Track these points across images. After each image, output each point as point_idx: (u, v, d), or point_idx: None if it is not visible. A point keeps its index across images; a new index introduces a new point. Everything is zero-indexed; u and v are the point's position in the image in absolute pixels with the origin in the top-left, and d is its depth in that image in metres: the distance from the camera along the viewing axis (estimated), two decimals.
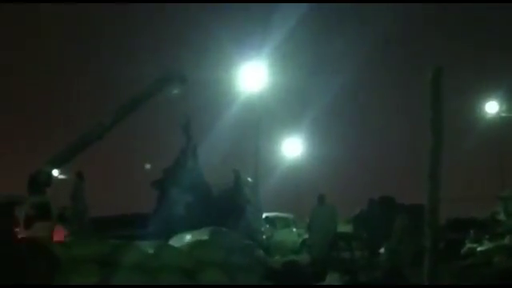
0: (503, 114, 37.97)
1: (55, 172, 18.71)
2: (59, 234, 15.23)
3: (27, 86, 43.82)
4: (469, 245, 17.72)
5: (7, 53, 43.06)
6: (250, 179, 20.19)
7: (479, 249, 16.74)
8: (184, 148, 16.40)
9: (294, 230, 26.01)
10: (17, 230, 13.47)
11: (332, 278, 10.59)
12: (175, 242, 9.71)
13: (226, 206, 15.76)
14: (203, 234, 9.71)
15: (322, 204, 15.88)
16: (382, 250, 15.46)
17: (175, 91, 19.13)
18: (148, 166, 28.77)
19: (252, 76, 29.56)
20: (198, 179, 16.22)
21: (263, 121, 30.54)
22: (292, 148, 41.72)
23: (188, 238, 9.70)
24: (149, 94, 19.21)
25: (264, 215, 22.19)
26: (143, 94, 19.18)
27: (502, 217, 21.77)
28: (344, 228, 17.81)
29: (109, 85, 41.26)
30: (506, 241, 16.66)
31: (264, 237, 20.35)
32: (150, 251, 8.89)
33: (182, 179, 15.91)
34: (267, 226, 23.22)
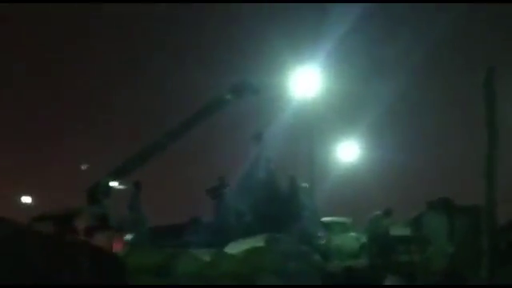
0: None
1: (115, 183, 18.91)
2: (118, 244, 15.43)
3: (90, 99, 44.31)
4: None
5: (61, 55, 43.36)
6: (305, 184, 20.13)
7: None
8: (255, 161, 16.42)
9: (353, 234, 25.77)
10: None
11: (390, 282, 10.45)
12: (231, 249, 9.74)
13: (281, 213, 15.75)
14: (258, 241, 9.72)
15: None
16: (442, 253, 15.20)
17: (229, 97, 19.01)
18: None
19: (305, 81, 29.44)
20: (275, 193, 16.19)
21: (318, 126, 30.40)
22: (348, 152, 41.44)
23: (243, 245, 9.72)
24: (218, 106, 18.90)
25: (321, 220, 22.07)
26: (212, 105, 18.89)
27: None
28: (402, 231, 17.53)
29: (162, 93, 41.63)
30: None
31: (322, 242, 20.27)
32: (207, 259, 8.94)
33: (253, 190, 15.91)
34: (325, 230, 23.10)
